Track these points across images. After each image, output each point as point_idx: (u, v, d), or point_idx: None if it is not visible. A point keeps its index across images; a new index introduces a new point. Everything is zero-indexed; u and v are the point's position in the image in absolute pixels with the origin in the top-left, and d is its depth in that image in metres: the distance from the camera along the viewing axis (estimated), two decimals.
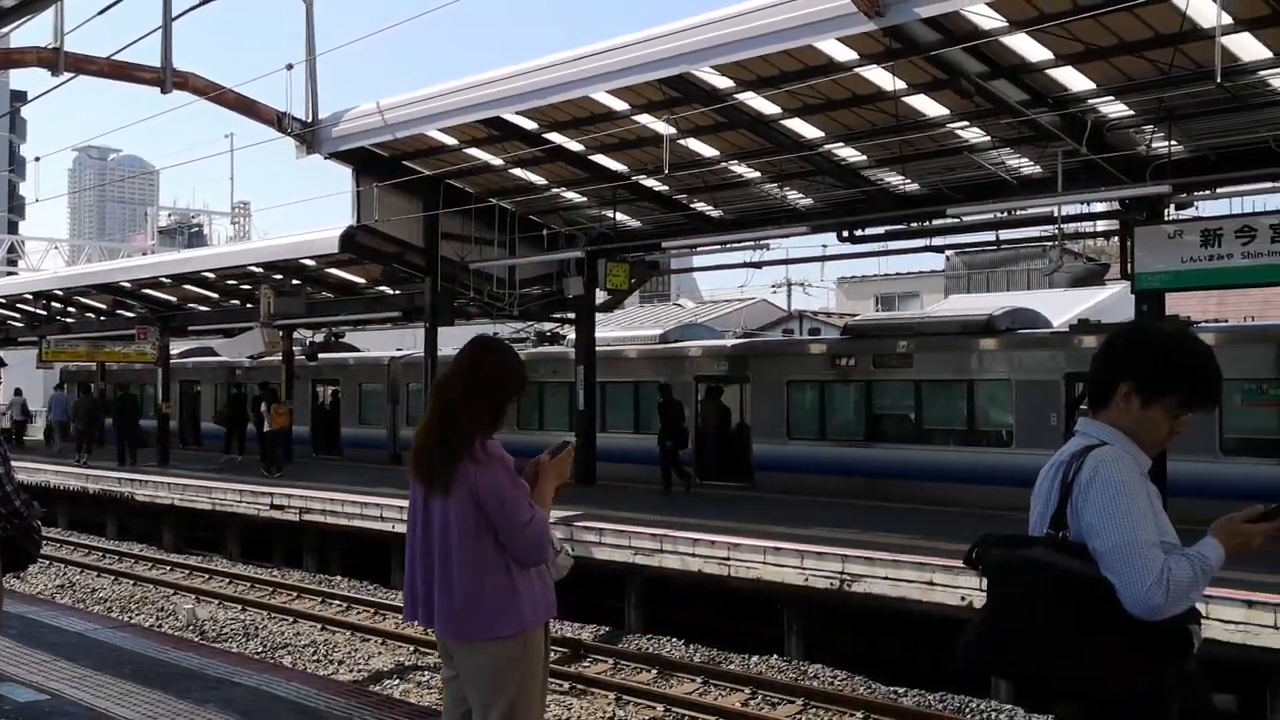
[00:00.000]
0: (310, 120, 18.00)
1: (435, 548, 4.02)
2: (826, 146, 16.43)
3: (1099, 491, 2.81)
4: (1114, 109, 14.14)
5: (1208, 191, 15.10)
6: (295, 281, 26.50)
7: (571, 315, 22.94)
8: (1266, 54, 12.39)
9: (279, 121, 17.75)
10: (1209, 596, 9.91)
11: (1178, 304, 17.33)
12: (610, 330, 26.06)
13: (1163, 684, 2.72)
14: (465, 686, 4.09)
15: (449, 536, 3.98)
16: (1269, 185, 14.14)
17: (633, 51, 14.43)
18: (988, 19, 12.24)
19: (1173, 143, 14.35)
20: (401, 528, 17.32)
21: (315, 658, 13.97)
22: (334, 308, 27.77)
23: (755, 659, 13.30)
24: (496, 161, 19.13)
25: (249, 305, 27.81)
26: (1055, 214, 16.43)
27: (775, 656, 13.38)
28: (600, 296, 22.49)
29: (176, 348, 34.91)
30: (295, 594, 17.78)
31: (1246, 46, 12.29)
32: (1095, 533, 2.78)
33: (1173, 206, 15.27)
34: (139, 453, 28.24)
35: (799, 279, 41.59)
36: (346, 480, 22.49)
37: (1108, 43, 12.53)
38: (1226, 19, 11.28)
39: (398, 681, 12.78)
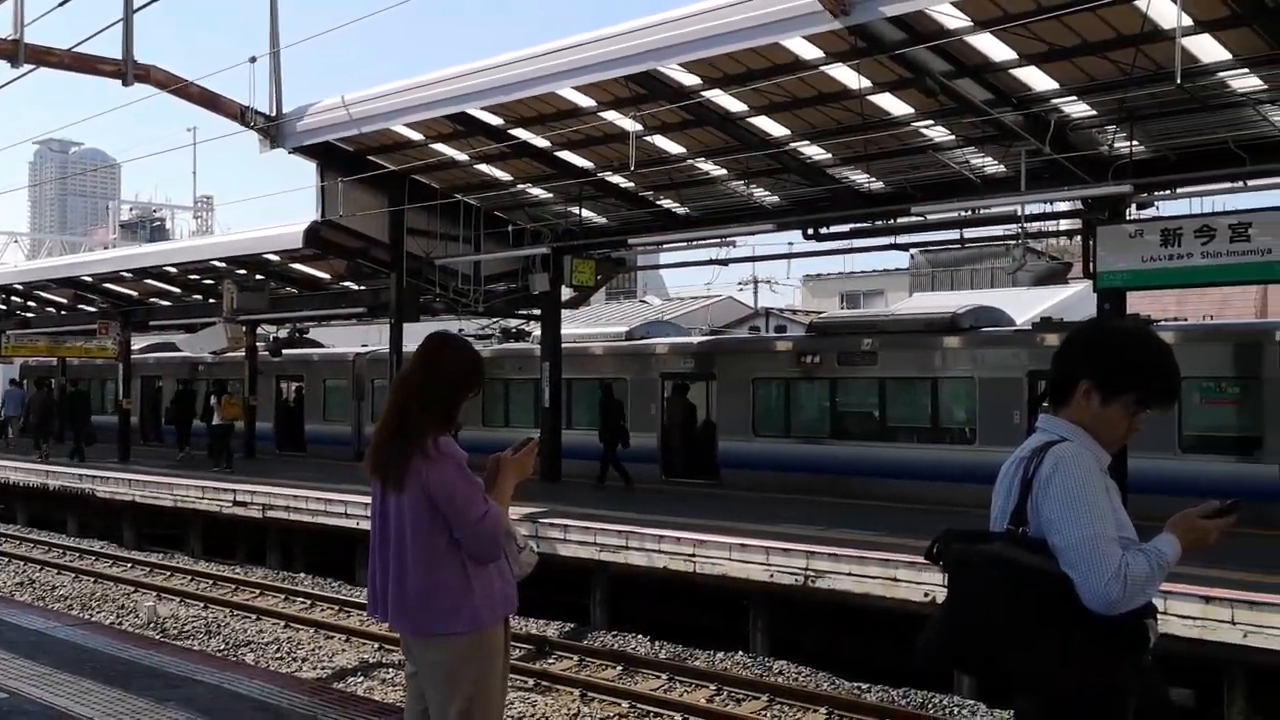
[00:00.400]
0: (274, 114, 17.86)
1: (392, 543, 4.02)
2: (792, 144, 16.48)
3: (1059, 487, 2.84)
4: (1077, 109, 14.26)
5: (1168, 191, 15.27)
6: (259, 277, 26.32)
7: (537, 312, 22.90)
8: (1225, 55, 12.53)
9: (242, 115, 17.60)
10: (1167, 592, 10.03)
11: (1139, 303, 17.49)
12: (576, 327, 26.04)
13: (1119, 679, 2.75)
14: (423, 682, 4.09)
15: (404, 532, 3.99)
16: (1227, 186, 14.31)
17: (599, 48, 14.41)
18: (952, 18, 12.31)
19: (1134, 143, 14.50)
20: (366, 524, 17.24)
21: (278, 655, 13.88)
22: (298, 303, 27.60)
23: (720, 655, 13.33)
24: (462, 157, 19.07)
25: (211, 300, 27.61)
26: (1018, 213, 16.55)
27: (740, 653, 13.41)
28: (566, 293, 22.46)
29: (138, 343, 34.62)
30: (258, 591, 17.66)
31: (1206, 48, 12.42)
32: (1055, 528, 2.80)
33: (1134, 206, 15.42)
34: (94, 449, 28.00)
35: (765, 276, 41.82)
36: (310, 476, 22.36)
37: (1070, 43, 12.63)
38: (1187, 20, 11.41)
39: (362, 679, 12.72)
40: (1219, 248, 13.70)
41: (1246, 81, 13.08)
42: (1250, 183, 14.03)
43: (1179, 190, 15.17)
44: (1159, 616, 2.97)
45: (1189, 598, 10.15)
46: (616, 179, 18.90)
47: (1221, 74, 12.96)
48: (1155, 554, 2.81)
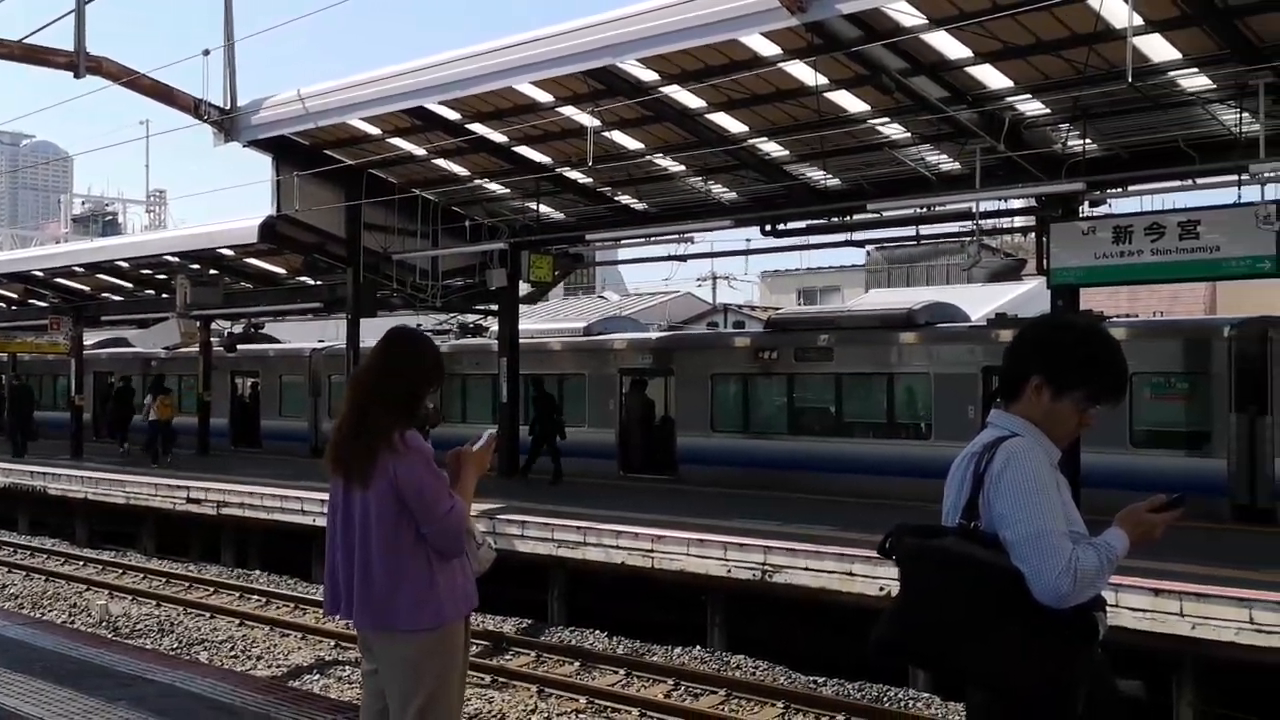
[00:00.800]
0: (228, 108, 17.69)
1: (356, 540, 4.01)
2: (750, 141, 16.53)
3: (1010, 482, 2.87)
4: (1031, 107, 14.40)
5: (1120, 189, 15.44)
6: (213, 271, 26.07)
7: (495, 307, 22.84)
8: (1176, 55, 12.69)
9: (196, 109, 17.41)
10: (1117, 585, 10.16)
11: (1093, 299, 17.69)
12: (534, 323, 26.00)
13: (1070, 671, 2.79)
14: (384, 679, 4.08)
15: (368, 528, 3.97)
16: (1177, 184, 14.49)
17: (557, 43, 14.38)
18: (908, 16, 12.39)
19: (1087, 141, 14.66)
20: (322, 521, 17.16)
21: (232, 653, 13.77)
22: (253, 298, 27.36)
23: (678, 651, 13.36)
24: (419, 152, 18.98)
25: (165, 295, 27.32)
26: (973, 210, 16.69)
27: (698, 648, 13.45)
28: (524, 289, 22.42)
29: (91, 338, 34.21)
30: (212, 589, 17.51)
31: (1156, 48, 12.58)
32: (1006, 522, 2.83)
33: (1087, 203, 15.59)
34: (47, 446, 27.69)
35: (723, 272, 41.77)
36: (266, 473, 22.18)
37: (1025, 41, 12.75)
38: (1138, 20, 11.55)
39: (318, 676, 12.64)
40: (1169, 245, 13.89)
41: (1196, 81, 13.26)
42: (1199, 181, 14.22)
43: (1130, 188, 15.34)
44: (1109, 609, 3.01)
45: (1139, 590, 10.29)
46: (574, 174, 18.89)
47: (1172, 73, 13.13)
48: (1104, 548, 2.85)
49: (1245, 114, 13.27)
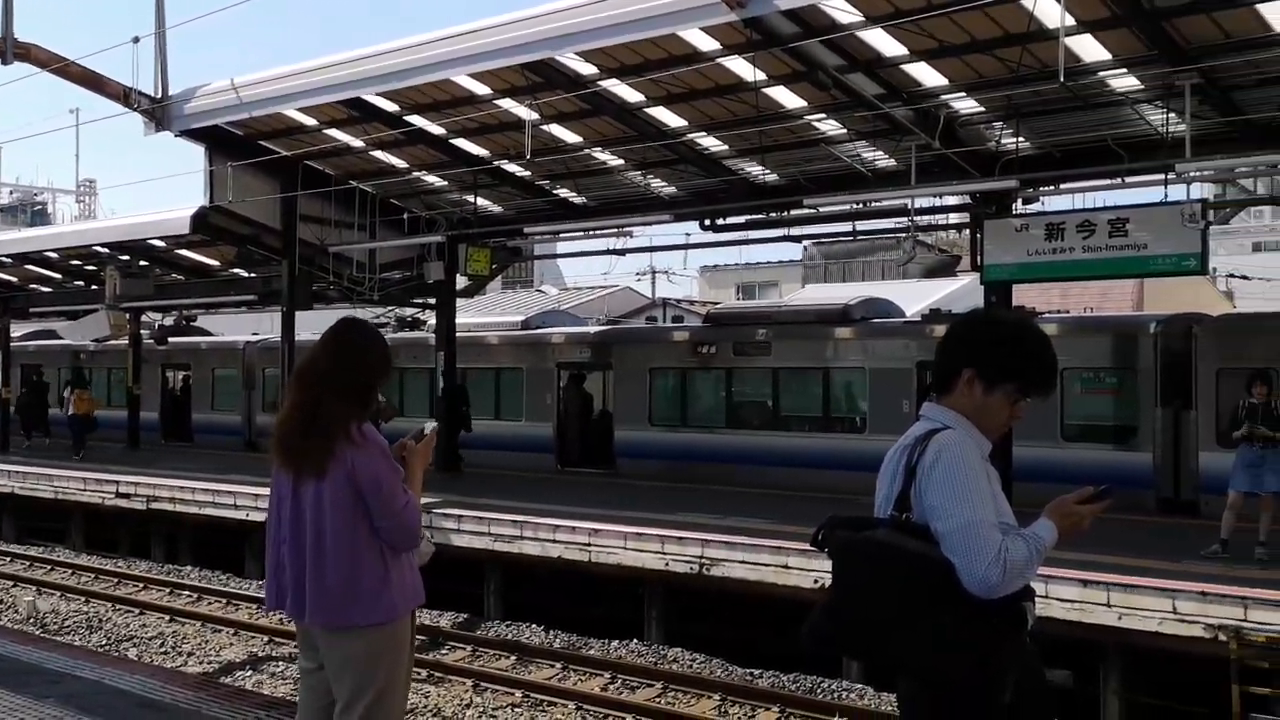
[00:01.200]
0: (160, 96, 17.39)
1: (306, 535, 3.94)
2: (689, 135, 16.56)
3: (941, 474, 2.91)
4: (965, 105, 14.58)
5: (1052, 187, 15.66)
6: (143, 263, 25.62)
7: (432, 300, 22.70)
8: (1106, 55, 12.91)
9: (126, 97, 17.10)
10: (1048, 576, 10.34)
11: (1026, 295, 17.95)
12: (472, 316, 25.86)
13: (998, 660, 2.83)
14: (332, 677, 4.01)
15: (322, 522, 3.90)
16: (1107, 183, 14.74)
17: (495, 35, 14.29)
18: (845, 13, 12.48)
19: (1020, 139, 14.86)
20: (256, 515, 17.02)
21: (163, 650, 13.58)
22: (185, 290, 26.96)
23: (615, 644, 13.38)
24: (357, 143, 18.79)
25: (94, 287, 26.84)
26: (909, 206, 16.86)
27: (635, 641, 13.48)
28: (461, 282, 22.28)
29: (19, 330, 33.55)
30: (142, 585, 17.25)
31: (1088, 48, 12.78)
32: (937, 514, 2.87)
33: (1020, 201, 15.80)
34: None
35: (662, 267, 41.86)
36: (198, 467, 21.88)
37: (960, 40, 12.89)
38: (1070, 20, 11.73)
39: (250, 673, 12.51)
40: (1099, 242, 14.12)
41: (1125, 81, 13.49)
42: (1128, 180, 14.47)
43: (1062, 186, 15.58)
44: (1039, 600, 3.06)
45: (1068, 582, 10.47)
46: (513, 167, 18.82)
47: (1102, 74, 13.34)
48: (1033, 539, 2.90)
49: (1172, 114, 13.53)
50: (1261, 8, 11.57)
